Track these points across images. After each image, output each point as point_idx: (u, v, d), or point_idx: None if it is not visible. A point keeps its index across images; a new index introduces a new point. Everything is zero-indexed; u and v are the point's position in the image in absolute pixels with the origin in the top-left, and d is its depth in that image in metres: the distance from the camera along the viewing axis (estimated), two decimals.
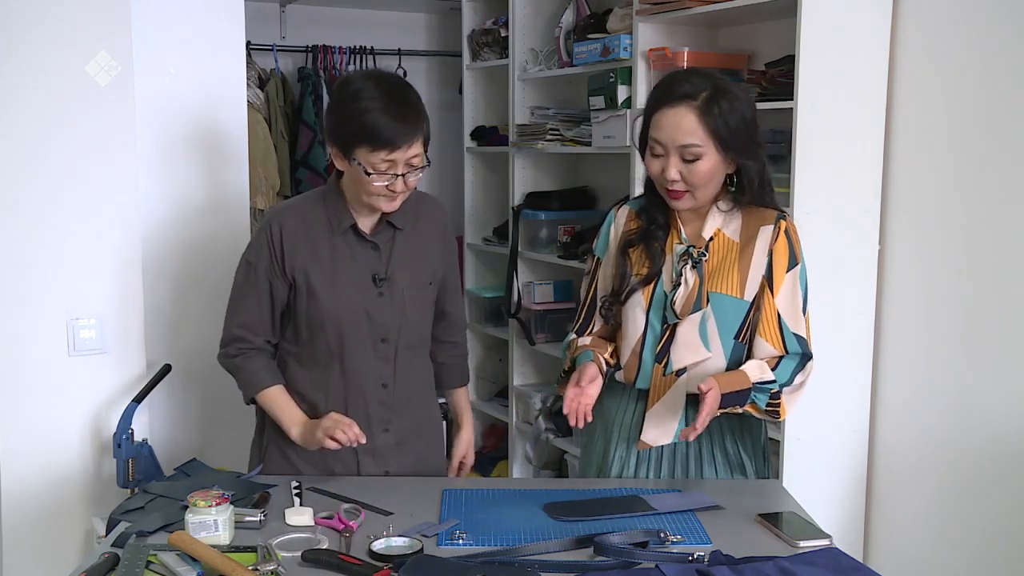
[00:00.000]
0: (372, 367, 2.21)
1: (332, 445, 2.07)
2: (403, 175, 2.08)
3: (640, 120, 2.12)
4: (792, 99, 2.65)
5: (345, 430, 2.06)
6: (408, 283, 2.22)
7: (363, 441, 2.08)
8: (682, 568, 1.66)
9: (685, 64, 3.03)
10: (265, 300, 2.20)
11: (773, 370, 2.06)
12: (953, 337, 2.76)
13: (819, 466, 2.82)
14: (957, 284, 2.74)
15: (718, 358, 2.10)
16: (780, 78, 2.81)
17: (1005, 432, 2.65)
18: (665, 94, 2.05)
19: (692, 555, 1.70)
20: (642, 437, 2.16)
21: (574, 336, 2.25)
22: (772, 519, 1.91)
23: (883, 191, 2.87)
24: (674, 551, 1.75)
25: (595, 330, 2.25)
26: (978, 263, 2.69)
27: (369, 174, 2.06)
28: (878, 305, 2.92)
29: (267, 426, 2.29)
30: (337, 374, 2.21)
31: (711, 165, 2.02)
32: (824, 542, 1.81)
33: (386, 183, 2.08)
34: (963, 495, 2.77)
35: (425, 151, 2.12)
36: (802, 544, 1.79)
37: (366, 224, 2.20)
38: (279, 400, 2.22)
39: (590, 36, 3.50)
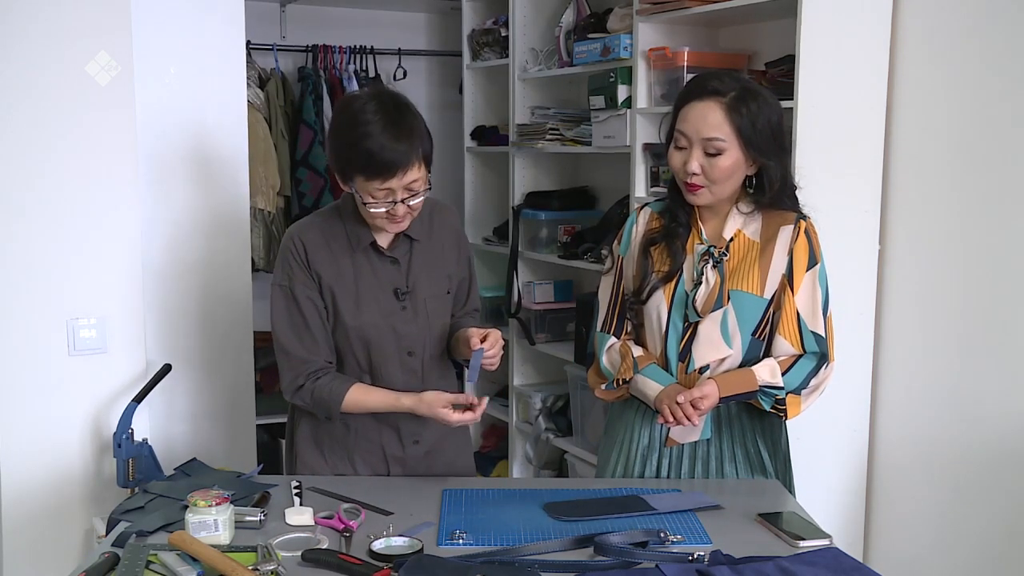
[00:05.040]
0: (401, 381, 2.20)
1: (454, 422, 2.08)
2: (403, 200, 2.05)
3: (669, 116, 2.16)
4: (792, 99, 2.65)
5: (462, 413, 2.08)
6: (429, 294, 2.21)
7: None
8: (682, 568, 1.67)
9: (685, 64, 3.03)
10: (313, 318, 2.15)
11: (788, 370, 2.10)
12: (953, 337, 2.76)
13: (819, 466, 2.82)
14: (957, 284, 2.74)
15: (738, 355, 2.13)
16: (780, 78, 2.81)
17: (1005, 432, 2.65)
18: (695, 89, 2.10)
19: (692, 555, 1.70)
20: (671, 435, 2.20)
21: (613, 339, 2.25)
22: (772, 519, 1.91)
23: (883, 191, 2.87)
24: (674, 551, 1.75)
25: (628, 330, 2.26)
26: (978, 263, 2.69)
27: (366, 203, 2.05)
28: (878, 305, 2.92)
29: (298, 436, 2.28)
30: None
31: (732, 162, 2.05)
32: (824, 542, 1.81)
33: (385, 210, 2.05)
34: (963, 495, 2.77)
35: (429, 169, 2.09)
36: (802, 544, 1.80)
37: (384, 239, 2.18)
38: (370, 395, 2.15)
39: (590, 36, 3.50)
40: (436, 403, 2.08)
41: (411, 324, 2.19)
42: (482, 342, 2.09)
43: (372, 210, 2.05)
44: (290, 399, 2.19)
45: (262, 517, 1.88)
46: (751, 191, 2.14)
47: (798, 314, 2.11)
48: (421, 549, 1.75)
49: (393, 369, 2.19)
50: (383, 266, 2.18)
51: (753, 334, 2.13)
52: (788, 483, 2.24)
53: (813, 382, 2.12)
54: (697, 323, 2.13)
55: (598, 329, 2.29)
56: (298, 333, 2.15)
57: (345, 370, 2.20)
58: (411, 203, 2.06)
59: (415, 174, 2.04)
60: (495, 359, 2.12)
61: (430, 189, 2.11)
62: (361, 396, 2.14)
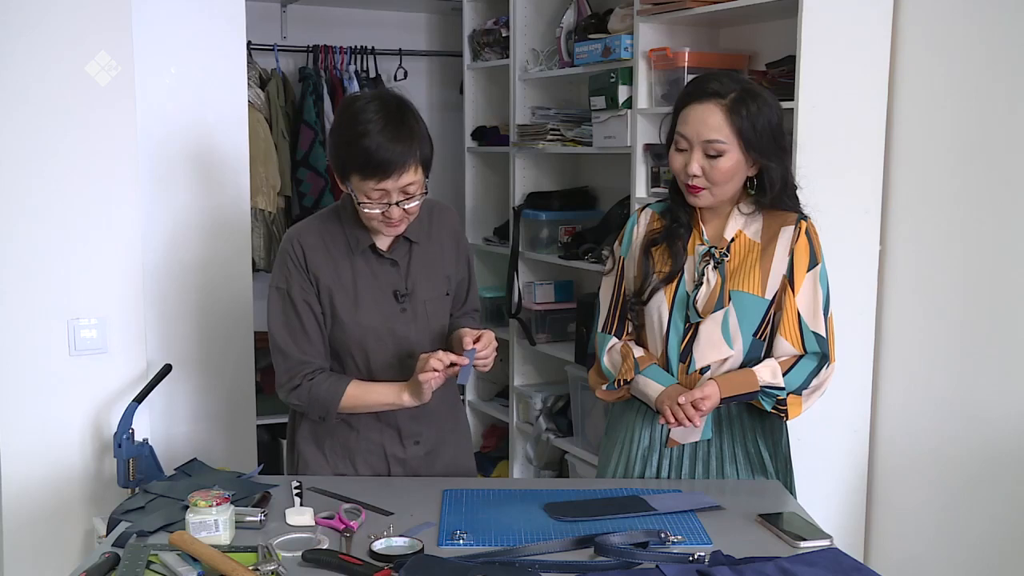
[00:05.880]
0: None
1: (431, 376, 2.02)
2: (397, 203, 2.04)
3: (668, 118, 2.16)
4: (793, 100, 2.65)
5: (434, 363, 2.02)
6: (428, 296, 2.21)
7: (451, 360, 2.03)
8: (682, 568, 1.66)
9: (686, 65, 3.03)
10: (309, 321, 2.15)
11: (789, 370, 2.10)
12: (953, 337, 2.76)
13: (819, 466, 2.82)
14: (957, 284, 2.74)
15: (739, 355, 2.13)
16: (781, 78, 2.81)
17: (1005, 432, 2.65)
18: (695, 91, 2.10)
19: (692, 555, 1.70)
20: (671, 435, 2.20)
21: (614, 339, 2.25)
22: (772, 519, 1.91)
23: (884, 191, 2.87)
24: (675, 551, 1.75)
25: (629, 331, 2.26)
26: (978, 263, 2.69)
27: (361, 203, 2.05)
28: (878, 305, 2.92)
29: (299, 436, 2.28)
30: None
31: (733, 163, 2.05)
32: (824, 542, 1.81)
33: (379, 211, 2.05)
34: (963, 495, 2.77)
35: (427, 174, 2.08)
36: (802, 544, 1.80)
37: (383, 242, 2.18)
38: (367, 390, 2.14)
39: (591, 36, 3.50)
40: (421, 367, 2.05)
41: (410, 326, 2.19)
42: (475, 343, 2.08)
43: (366, 211, 2.05)
44: (285, 398, 2.18)
45: (262, 517, 1.88)
46: (752, 192, 2.14)
47: (799, 314, 2.11)
48: (421, 549, 1.75)
49: (392, 371, 2.18)
50: (382, 268, 2.18)
51: (754, 335, 2.13)
52: (789, 483, 2.24)
53: (814, 382, 2.12)
54: (698, 324, 2.13)
55: (599, 330, 2.29)
56: (294, 336, 2.15)
57: (345, 371, 2.20)
58: (406, 206, 2.05)
59: (411, 177, 2.02)
60: (488, 360, 2.11)
61: (426, 194, 2.10)
62: (360, 392, 2.14)
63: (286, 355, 2.15)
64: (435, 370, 2.02)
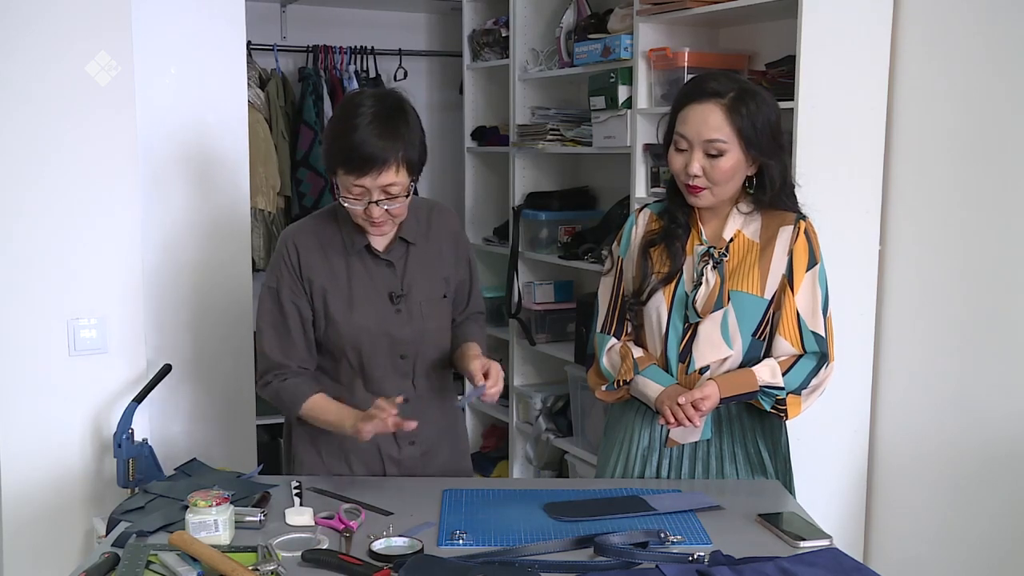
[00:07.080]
0: (393, 384, 2.19)
1: (365, 436, 2.02)
2: (377, 202, 2.03)
3: (666, 118, 2.16)
4: (793, 100, 2.65)
5: (377, 423, 2.00)
6: (424, 297, 2.20)
7: (396, 427, 2.00)
8: (682, 568, 1.66)
9: (686, 65, 3.03)
10: (295, 323, 2.16)
11: (789, 370, 2.10)
12: (953, 337, 2.76)
13: (819, 466, 2.82)
14: (957, 284, 2.74)
15: (738, 355, 2.13)
16: (781, 78, 2.81)
17: (1005, 432, 2.65)
18: (694, 91, 2.09)
19: (692, 555, 1.70)
20: (671, 435, 2.20)
21: (613, 340, 2.25)
22: (772, 519, 1.91)
23: (883, 191, 2.87)
24: (674, 551, 1.75)
25: (628, 331, 2.26)
26: (978, 263, 2.69)
27: (343, 198, 2.05)
28: (878, 305, 2.92)
29: (295, 436, 2.29)
30: (360, 391, 2.20)
31: (733, 162, 2.06)
32: (824, 542, 1.81)
33: (360, 208, 2.05)
34: (963, 495, 2.77)
35: (414, 177, 2.07)
36: (802, 544, 1.80)
37: (379, 242, 2.18)
38: (324, 406, 2.15)
39: (591, 36, 3.50)
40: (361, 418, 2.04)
41: (405, 327, 2.18)
42: (485, 376, 2.08)
43: (347, 206, 2.06)
44: (259, 392, 2.23)
45: (262, 517, 1.88)
46: (751, 191, 2.14)
47: (798, 314, 2.11)
48: (421, 549, 1.75)
49: (385, 372, 2.19)
50: (378, 269, 2.18)
51: (753, 334, 2.13)
52: (788, 483, 2.24)
53: (813, 382, 2.12)
54: (697, 324, 2.13)
55: (598, 330, 2.29)
56: (279, 336, 2.17)
57: (339, 370, 2.21)
58: (387, 207, 2.05)
59: (392, 177, 2.01)
60: (495, 391, 2.11)
61: (409, 197, 2.08)
62: (317, 407, 2.14)
63: (267, 354, 2.18)
64: (381, 419, 1.99)
